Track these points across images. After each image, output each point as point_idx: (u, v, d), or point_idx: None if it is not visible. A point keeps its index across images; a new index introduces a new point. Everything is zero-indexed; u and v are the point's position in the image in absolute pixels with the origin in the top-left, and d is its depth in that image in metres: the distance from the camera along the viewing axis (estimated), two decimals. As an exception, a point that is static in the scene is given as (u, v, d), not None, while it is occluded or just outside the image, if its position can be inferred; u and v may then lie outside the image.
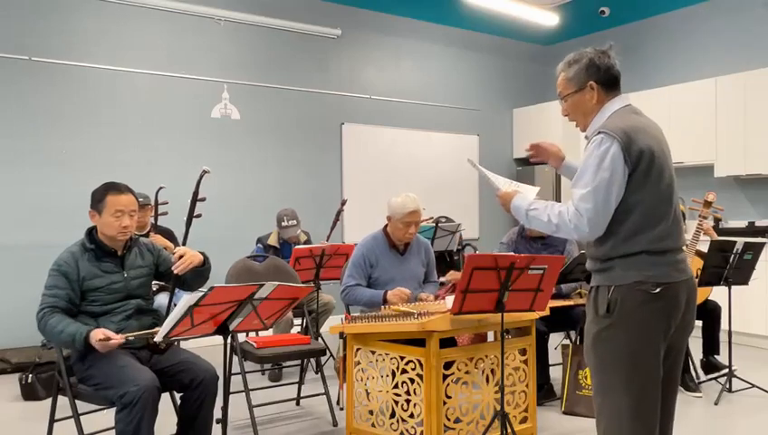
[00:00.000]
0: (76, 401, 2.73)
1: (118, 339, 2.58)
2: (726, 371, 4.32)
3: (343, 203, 5.42)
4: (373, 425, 3.21)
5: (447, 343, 3.10)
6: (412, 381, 3.02)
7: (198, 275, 2.93)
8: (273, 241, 5.12)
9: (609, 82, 2.17)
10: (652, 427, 2.06)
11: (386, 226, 3.76)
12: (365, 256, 3.69)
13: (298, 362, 4.28)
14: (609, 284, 2.06)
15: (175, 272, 2.83)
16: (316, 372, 4.15)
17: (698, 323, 4.52)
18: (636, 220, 2.03)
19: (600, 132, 2.05)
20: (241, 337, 3.64)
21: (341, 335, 3.38)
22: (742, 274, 4.24)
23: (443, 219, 6.17)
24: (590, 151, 2.05)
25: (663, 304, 2.04)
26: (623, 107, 2.16)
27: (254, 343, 3.52)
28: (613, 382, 2.06)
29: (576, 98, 2.21)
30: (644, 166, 2.02)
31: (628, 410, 2.03)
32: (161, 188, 4.50)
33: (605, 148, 2.01)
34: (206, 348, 3.53)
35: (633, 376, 2.03)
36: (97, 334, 2.57)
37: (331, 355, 4.85)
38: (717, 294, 4.42)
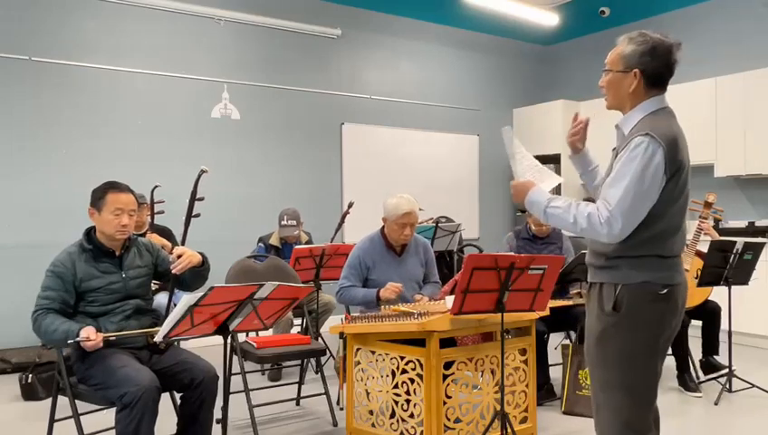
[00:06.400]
0: (76, 401, 2.73)
1: (96, 341, 2.56)
2: (726, 371, 4.32)
3: (350, 205, 5.39)
4: (373, 425, 3.21)
5: (447, 343, 3.10)
6: (412, 381, 3.02)
7: (197, 275, 2.93)
8: (274, 241, 5.12)
9: (654, 78, 2.08)
10: (649, 424, 2.10)
11: (383, 227, 3.76)
12: (360, 259, 3.69)
13: (298, 362, 4.28)
14: (617, 282, 2.06)
15: (173, 272, 2.83)
16: (316, 372, 4.15)
17: (698, 323, 4.52)
18: (659, 229, 2.02)
19: (646, 134, 1.97)
20: (241, 337, 3.65)
21: (341, 335, 3.38)
22: (742, 274, 4.24)
23: (443, 219, 6.18)
24: (633, 154, 1.97)
25: (668, 305, 2.06)
26: (662, 108, 2.10)
27: (254, 343, 3.52)
28: (616, 380, 2.07)
29: (617, 77, 2.10)
30: (677, 178, 2.01)
31: (629, 407, 2.06)
32: (156, 186, 4.50)
33: (650, 153, 1.95)
34: (206, 348, 3.53)
35: (636, 375, 2.06)
36: (82, 333, 2.56)
37: (331, 355, 4.84)
38: (717, 294, 4.42)
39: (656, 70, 2.06)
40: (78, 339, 2.55)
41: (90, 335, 2.56)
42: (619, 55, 2.10)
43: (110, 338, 2.65)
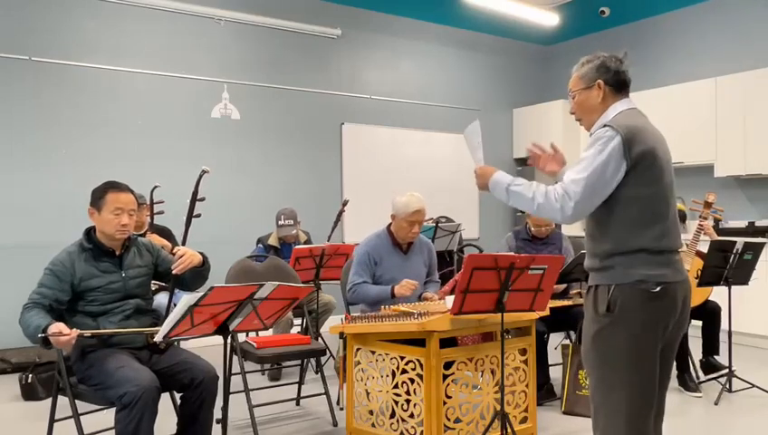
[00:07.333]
0: (76, 401, 2.73)
1: (69, 336, 2.49)
2: (726, 371, 4.32)
3: (345, 203, 5.40)
4: (373, 425, 3.21)
5: (447, 342, 3.10)
6: (412, 381, 3.02)
7: (197, 275, 2.94)
8: (273, 241, 5.11)
9: (617, 85, 2.21)
10: (649, 424, 2.11)
11: (389, 224, 3.77)
12: (369, 254, 3.69)
13: (298, 362, 4.28)
14: (610, 283, 2.08)
15: (174, 272, 2.83)
16: (316, 372, 4.15)
17: (698, 323, 4.51)
18: (635, 216, 2.06)
19: (604, 125, 2.10)
20: (241, 337, 3.64)
21: (341, 335, 3.38)
22: (742, 274, 4.24)
23: (443, 219, 6.18)
24: (592, 141, 2.10)
25: (662, 304, 2.07)
26: (630, 108, 2.19)
27: (254, 343, 3.52)
28: (613, 381, 2.08)
29: (583, 95, 2.24)
30: (646, 163, 2.05)
31: (628, 407, 2.06)
32: (156, 187, 4.50)
33: (607, 139, 2.05)
34: (206, 348, 3.53)
35: (633, 374, 2.06)
36: (52, 328, 2.50)
37: (331, 355, 4.85)
38: (717, 294, 4.42)
39: (615, 78, 2.21)
40: (47, 334, 2.47)
41: (62, 330, 2.49)
42: (578, 77, 2.26)
43: (85, 335, 2.60)
